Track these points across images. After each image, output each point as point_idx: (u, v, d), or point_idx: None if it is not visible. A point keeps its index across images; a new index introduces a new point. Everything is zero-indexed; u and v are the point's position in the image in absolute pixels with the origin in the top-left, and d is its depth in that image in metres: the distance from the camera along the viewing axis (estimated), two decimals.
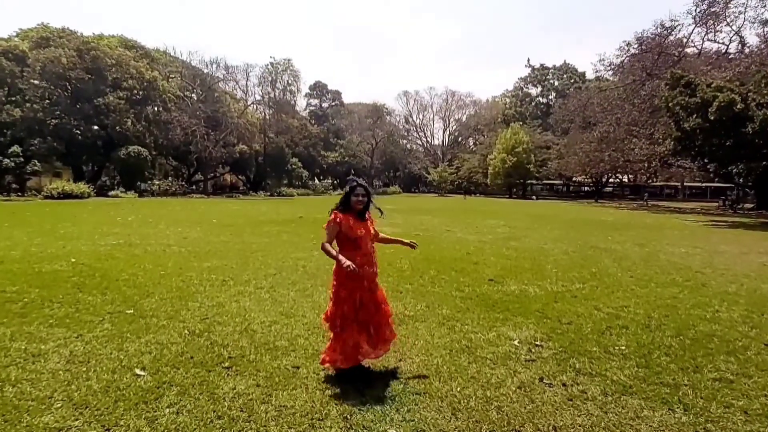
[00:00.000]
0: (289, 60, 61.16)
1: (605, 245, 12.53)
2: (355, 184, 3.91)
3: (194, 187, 56.70)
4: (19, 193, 34.69)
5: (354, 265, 3.62)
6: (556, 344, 4.68)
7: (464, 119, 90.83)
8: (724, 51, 37.67)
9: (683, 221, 22.67)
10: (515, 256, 10.33)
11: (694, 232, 17.05)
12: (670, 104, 23.12)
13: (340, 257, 3.69)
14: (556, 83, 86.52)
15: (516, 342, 4.71)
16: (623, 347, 4.62)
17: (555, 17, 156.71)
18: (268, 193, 54.60)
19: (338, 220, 3.82)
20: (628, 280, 8.03)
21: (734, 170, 27.23)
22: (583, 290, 7.16)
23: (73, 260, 8.71)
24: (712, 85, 21.87)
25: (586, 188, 73.52)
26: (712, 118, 20.83)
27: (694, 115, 21.61)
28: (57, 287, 6.65)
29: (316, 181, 75.21)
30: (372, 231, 4.01)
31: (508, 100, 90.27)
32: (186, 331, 4.86)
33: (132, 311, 5.55)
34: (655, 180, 63.03)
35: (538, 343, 4.70)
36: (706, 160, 25.88)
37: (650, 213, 30.27)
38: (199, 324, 5.12)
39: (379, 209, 4.16)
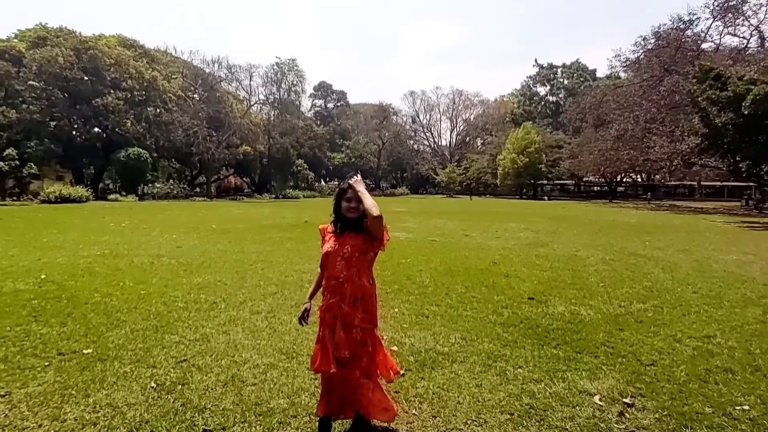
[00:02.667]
0: (294, 60, 60.21)
1: (645, 252, 11.25)
2: (346, 186, 2.91)
3: (198, 189, 55.75)
4: (15, 198, 33.68)
5: (304, 314, 3.14)
6: (653, 403, 3.43)
7: (472, 119, 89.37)
8: (744, 46, 36.30)
9: (713, 222, 21.27)
10: (549, 267, 9.08)
11: (735, 235, 15.67)
12: (699, 99, 21.72)
13: (309, 293, 3.21)
14: (566, 82, 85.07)
15: (597, 399, 3.47)
16: (746, 407, 3.38)
17: (562, 16, 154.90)
18: (273, 196, 53.50)
19: (321, 233, 3.14)
20: (693, 297, 6.77)
21: (766, 168, 25.70)
22: (646, 312, 5.91)
23: (43, 277, 7.53)
24: (744, 77, 20.47)
25: (597, 188, 71.94)
26: (746, 112, 19.43)
27: (726, 110, 20.21)
28: (9, 315, 5.46)
29: (323, 182, 74.17)
30: (357, 246, 2.89)
31: (516, 100, 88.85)
32: (153, 384, 3.65)
33: (90, 350, 4.35)
34: (669, 179, 61.49)
35: (627, 400, 3.45)
36: (738, 158, 24.41)
37: (673, 214, 28.77)
38: (173, 371, 3.92)
39: None
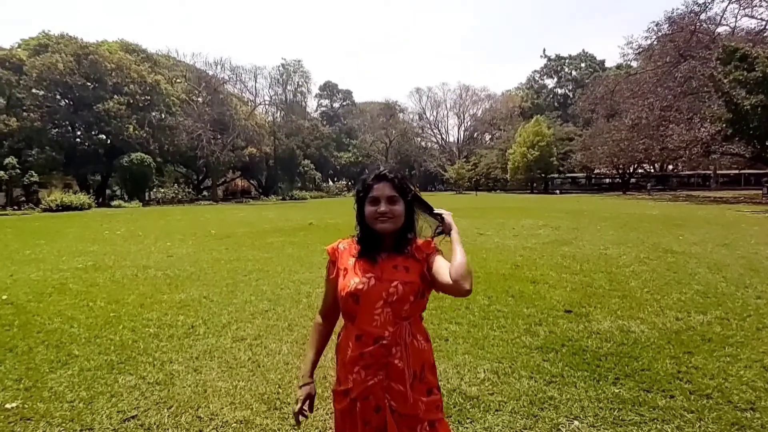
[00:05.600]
0: (299, 61, 60.09)
1: (681, 248, 10.16)
2: (372, 176, 1.77)
3: (205, 193, 55.06)
4: (16, 207, 33.03)
5: (305, 403, 1.78)
6: None
7: (479, 114, 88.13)
8: (762, 27, 34.98)
9: (741, 213, 20.04)
10: (579, 269, 8.03)
11: None
12: (724, 81, 20.48)
13: (309, 364, 1.86)
14: (574, 73, 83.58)
15: None
16: None
17: (566, 8, 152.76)
18: (280, 197, 52.58)
19: (331, 256, 1.85)
20: (759, 303, 5.70)
21: None
22: (711, 326, 4.87)
23: (5, 297, 6.61)
24: None
25: (608, 180, 70.27)
26: None
27: (756, 92, 18.93)
28: None
29: (330, 182, 73.38)
30: (412, 284, 1.68)
31: (522, 93, 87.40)
32: None
33: (16, 404, 3.38)
34: (683, 168, 59.77)
35: None
36: (767, 143, 23.07)
37: (694, 204, 27.38)
38: None
39: (437, 216, 1.80)
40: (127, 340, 4.73)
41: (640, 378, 3.62)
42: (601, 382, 3.56)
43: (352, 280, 1.68)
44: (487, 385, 3.57)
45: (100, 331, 5.05)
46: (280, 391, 3.53)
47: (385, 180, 1.73)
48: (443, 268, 1.63)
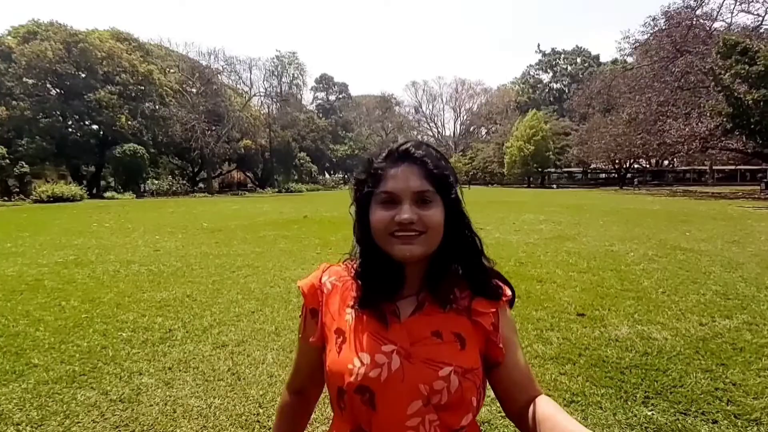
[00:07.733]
0: (294, 53, 59.62)
1: (689, 245, 9.73)
2: (386, 153, 0.96)
3: (201, 185, 54.45)
4: (6, 198, 32.36)
5: None
6: None
7: (475, 108, 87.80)
8: (758, 24, 34.68)
9: (743, 208, 19.66)
10: (587, 267, 7.59)
11: None
12: (724, 75, 20.07)
13: None
14: (569, 68, 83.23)
15: None
16: None
17: (562, 1, 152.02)
18: (276, 190, 51.99)
19: (308, 301, 1.02)
20: None
21: None
22: (740, 333, 4.44)
23: None
24: None
25: (604, 175, 69.94)
26: None
27: (758, 86, 18.53)
28: None
29: (326, 175, 72.93)
30: (472, 372, 0.91)
31: (518, 87, 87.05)
32: None
33: None
34: (679, 164, 59.60)
35: None
36: None
37: (693, 200, 27.03)
38: None
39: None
40: (95, 347, 4.25)
41: (674, 397, 3.17)
42: (629, 402, 3.11)
43: (357, 360, 0.91)
44: (498, 405, 3.11)
45: (68, 335, 4.57)
46: (261, 411, 3.07)
47: (409, 161, 0.93)
48: (516, 367, 0.98)
